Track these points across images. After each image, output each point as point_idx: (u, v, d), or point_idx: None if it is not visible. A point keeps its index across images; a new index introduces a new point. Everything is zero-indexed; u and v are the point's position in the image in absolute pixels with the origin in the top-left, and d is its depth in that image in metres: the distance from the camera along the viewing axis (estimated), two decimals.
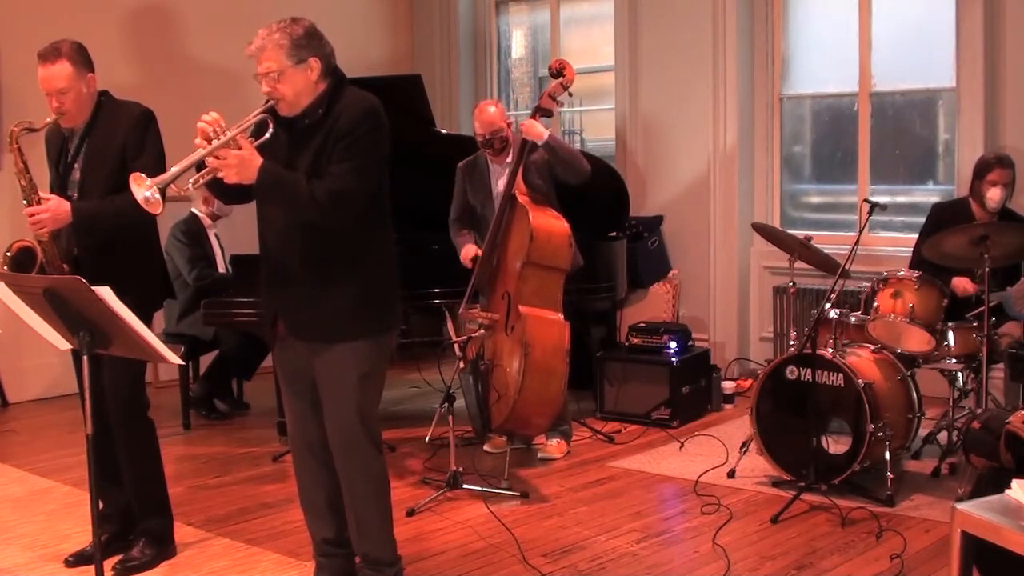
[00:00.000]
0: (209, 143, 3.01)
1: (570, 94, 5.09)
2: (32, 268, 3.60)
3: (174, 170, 2.99)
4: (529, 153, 4.91)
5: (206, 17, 7.07)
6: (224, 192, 3.26)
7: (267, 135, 3.11)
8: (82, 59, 3.63)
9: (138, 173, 2.98)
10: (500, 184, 5.02)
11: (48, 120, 3.63)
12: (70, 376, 3.69)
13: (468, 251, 5.03)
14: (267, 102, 3.15)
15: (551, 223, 4.84)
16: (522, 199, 4.86)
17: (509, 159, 5.00)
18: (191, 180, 3.05)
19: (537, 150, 4.92)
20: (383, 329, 3.32)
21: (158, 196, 2.95)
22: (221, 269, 6.12)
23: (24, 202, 3.60)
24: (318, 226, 3.13)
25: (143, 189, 2.94)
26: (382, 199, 3.27)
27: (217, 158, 3.00)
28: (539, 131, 4.85)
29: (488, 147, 5.02)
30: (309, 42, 3.13)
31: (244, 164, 3.02)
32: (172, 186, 2.99)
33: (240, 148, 3.02)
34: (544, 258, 4.82)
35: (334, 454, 3.32)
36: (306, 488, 3.48)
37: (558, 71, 5.02)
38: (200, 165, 3.05)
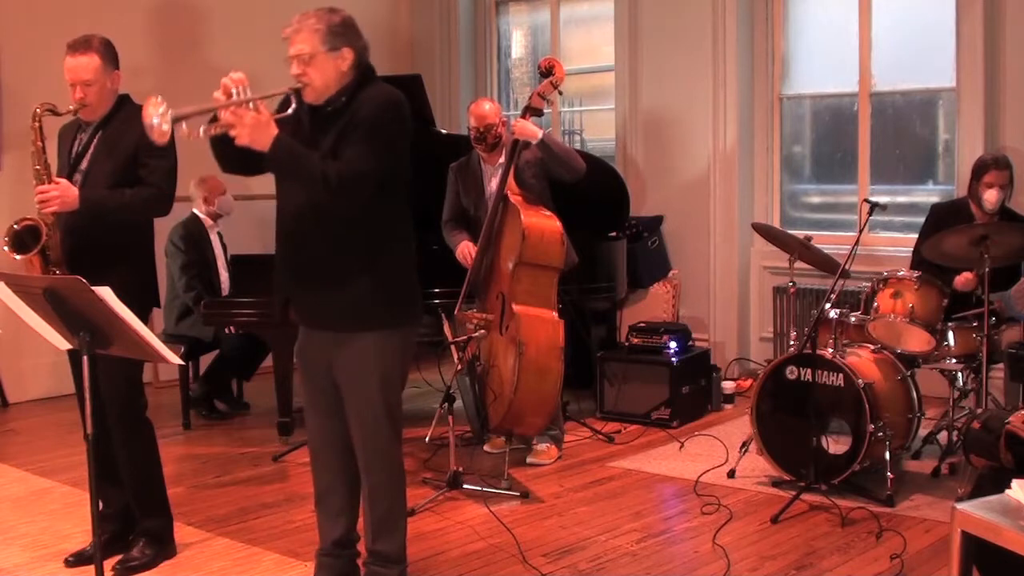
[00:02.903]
0: (229, 99, 2.97)
1: (560, 93, 5.10)
2: (33, 247, 3.61)
3: (190, 108, 2.93)
4: (521, 151, 4.92)
5: (218, 19, 7.06)
6: (227, 157, 3.19)
7: (288, 111, 3.11)
8: (110, 55, 3.70)
9: (154, 96, 2.90)
10: (492, 184, 5.02)
11: (71, 107, 3.67)
12: (70, 376, 3.70)
13: (464, 248, 5.02)
14: (294, 85, 3.13)
15: (543, 222, 4.84)
16: (514, 199, 4.86)
17: (501, 159, 5.01)
18: (202, 128, 2.99)
19: (529, 147, 4.92)
20: (401, 322, 3.28)
21: (165, 127, 2.87)
22: (222, 269, 6.13)
23: (35, 180, 3.63)
24: (334, 213, 3.11)
25: (155, 113, 2.86)
26: (400, 195, 3.25)
27: (234, 116, 2.96)
28: (532, 130, 4.86)
29: (480, 142, 5.02)
30: (345, 32, 3.14)
31: (259, 128, 2.98)
32: (183, 127, 2.92)
33: (258, 112, 2.99)
34: (536, 257, 4.82)
35: (357, 450, 3.31)
36: (323, 487, 3.44)
37: (547, 70, 5.04)
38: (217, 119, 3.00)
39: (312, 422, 3.44)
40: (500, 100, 8.17)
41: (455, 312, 4.94)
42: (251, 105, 2.99)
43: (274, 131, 3.01)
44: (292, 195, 3.23)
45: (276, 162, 3.07)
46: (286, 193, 3.27)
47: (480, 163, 5.10)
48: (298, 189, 3.18)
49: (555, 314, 4.87)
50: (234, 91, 2.98)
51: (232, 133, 2.99)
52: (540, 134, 4.86)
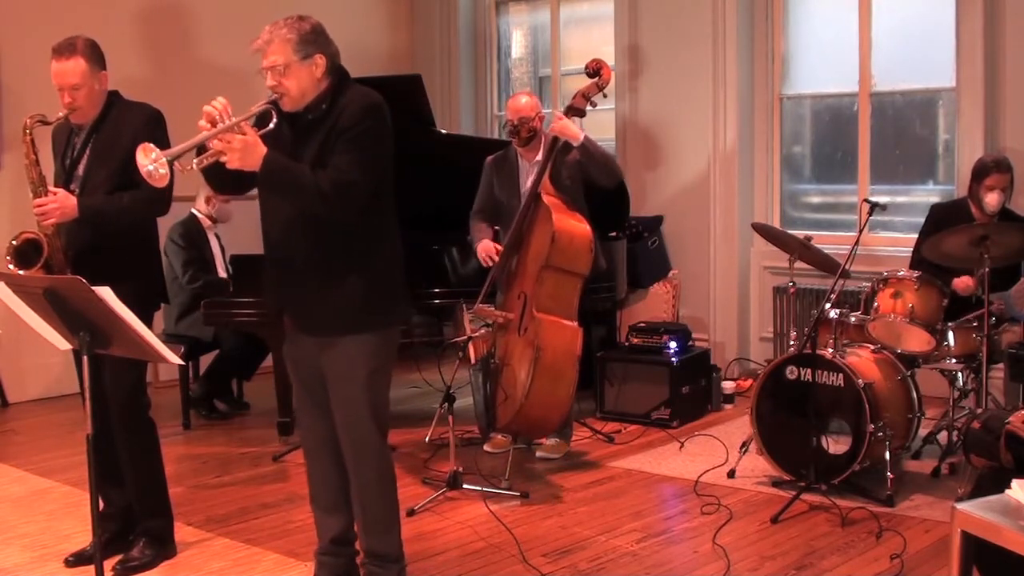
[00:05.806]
0: (214, 126, 3.02)
1: (604, 95, 5.08)
2: (37, 261, 3.60)
3: (181, 146, 2.98)
4: (561, 154, 4.88)
5: (213, 17, 7.06)
6: (222, 181, 3.26)
7: (270, 125, 3.13)
8: (96, 56, 3.67)
9: (146, 143, 2.96)
10: (528, 181, 4.98)
11: (60, 115, 3.65)
12: (70, 376, 3.69)
13: (485, 246, 4.99)
14: (271, 97, 3.17)
15: (574, 226, 4.80)
16: (547, 199, 4.81)
17: (538, 157, 4.99)
18: (195, 160, 3.04)
19: (571, 151, 4.90)
20: (389, 323, 3.32)
21: (163, 171, 2.93)
22: (221, 269, 6.13)
23: (31, 194, 3.62)
24: (322, 220, 3.14)
25: (148, 161, 2.92)
26: (386, 196, 3.28)
27: (222, 142, 3.01)
28: (574, 131, 4.82)
29: (514, 135, 5.01)
30: (316, 39, 3.17)
31: (248, 150, 3.02)
32: (176, 164, 2.98)
33: (244, 135, 3.03)
34: (564, 262, 4.78)
35: (344, 449, 3.32)
36: (317, 485, 3.47)
37: (595, 71, 5.02)
38: (203, 149, 3.05)
39: (304, 421, 3.47)
40: (499, 100, 8.17)
41: (474, 308, 4.89)
42: (236, 128, 3.02)
43: (263, 150, 3.05)
44: (277, 208, 3.25)
45: (269, 180, 3.11)
46: (271, 206, 3.28)
47: (517, 158, 5.09)
48: (283, 202, 3.21)
49: (575, 322, 4.84)
50: (217, 117, 3.03)
51: (223, 159, 3.04)
52: (582, 136, 4.82)
